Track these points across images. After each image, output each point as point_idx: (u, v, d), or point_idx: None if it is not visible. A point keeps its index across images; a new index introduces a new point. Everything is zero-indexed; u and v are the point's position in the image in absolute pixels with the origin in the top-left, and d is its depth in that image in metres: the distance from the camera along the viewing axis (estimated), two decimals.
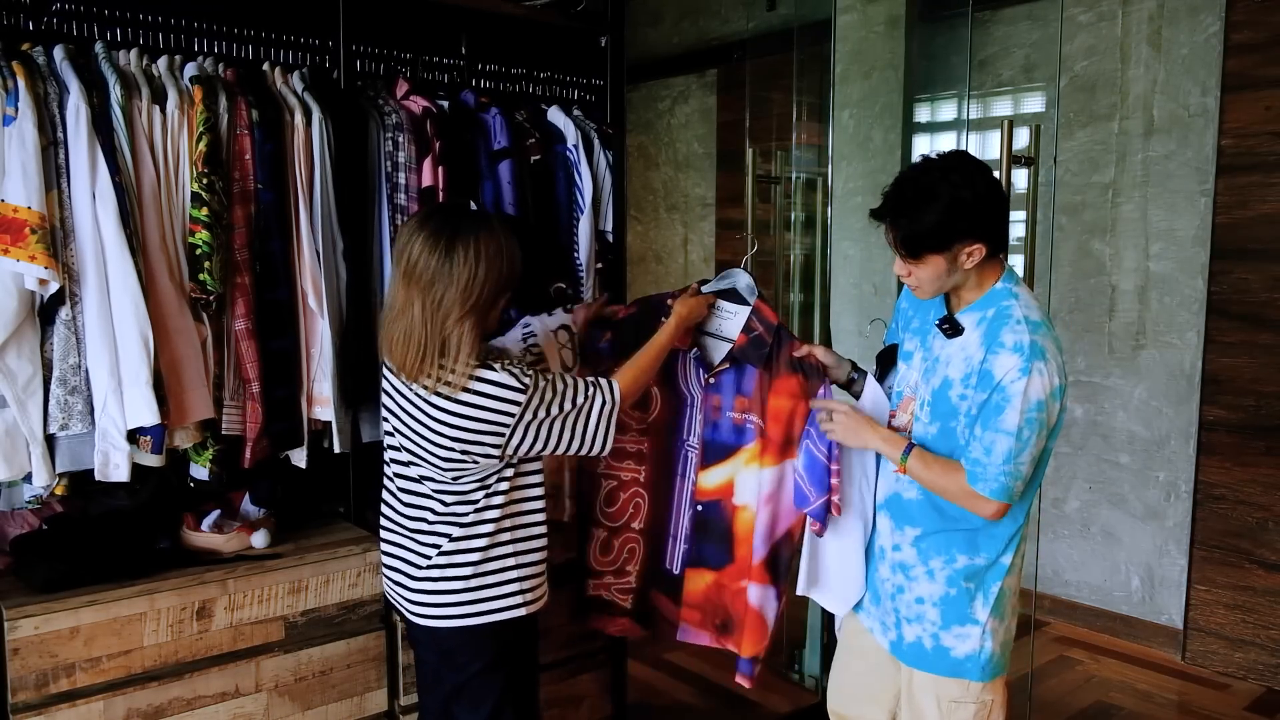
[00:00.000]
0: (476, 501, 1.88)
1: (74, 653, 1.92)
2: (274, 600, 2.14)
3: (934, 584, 1.86)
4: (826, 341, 3.50)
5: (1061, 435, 3.91)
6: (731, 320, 2.26)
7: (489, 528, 1.89)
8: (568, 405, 1.87)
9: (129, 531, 2.08)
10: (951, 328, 1.82)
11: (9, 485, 2.06)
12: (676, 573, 2.33)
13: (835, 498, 2.00)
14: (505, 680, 1.95)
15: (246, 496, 2.30)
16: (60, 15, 2.06)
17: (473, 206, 2.38)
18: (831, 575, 2.08)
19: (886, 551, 1.94)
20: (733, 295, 2.26)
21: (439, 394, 1.79)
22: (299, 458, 2.24)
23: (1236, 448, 3.49)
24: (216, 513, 2.20)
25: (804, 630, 3.37)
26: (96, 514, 2.12)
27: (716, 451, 2.26)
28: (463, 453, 1.82)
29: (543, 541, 1.98)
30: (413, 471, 1.90)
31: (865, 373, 2.14)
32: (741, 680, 2.28)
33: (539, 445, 1.87)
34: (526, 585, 1.95)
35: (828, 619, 3.27)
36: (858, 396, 2.15)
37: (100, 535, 2.03)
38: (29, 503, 2.08)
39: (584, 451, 1.93)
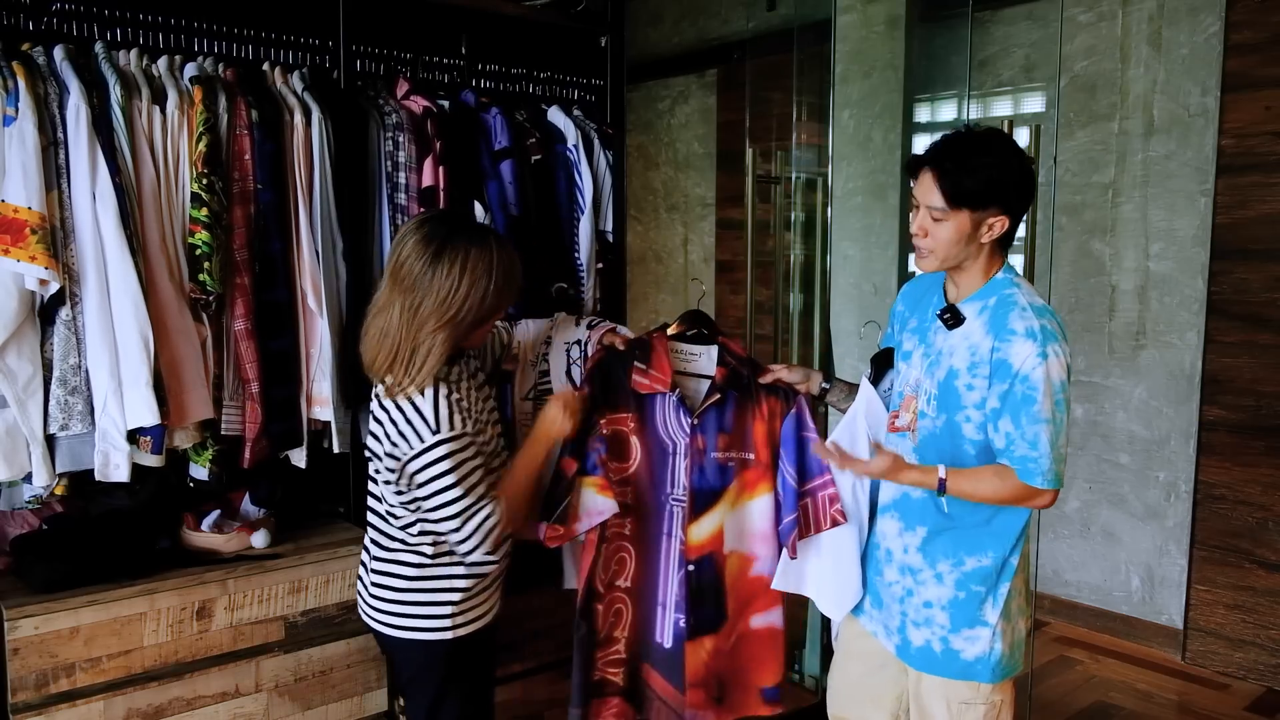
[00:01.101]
0: (405, 518, 1.82)
1: (74, 653, 1.92)
2: (274, 600, 2.14)
3: (943, 587, 1.85)
4: (826, 341, 3.50)
5: None
6: (699, 359, 2.18)
7: (423, 559, 1.83)
8: (460, 490, 1.74)
9: (129, 531, 2.08)
10: (953, 317, 1.82)
11: (9, 485, 2.06)
12: (668, 646, 2.12)
13: (836, 506, 1.99)
14: (437, 691, 1.89)
15: (246, 496, 2.30)
16: (60, 15, 2.06)
17: (479, 210, 2.37)
18: (826, 579, 2.07)
19: (894, 554, 1.93)
20: (697, 337, 2.19)
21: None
22: (299, 458, 2.25)
23: (1236, 448, 3.49)
24: (216, 513, 2.20)
25: (804, 630, 3.36)
26: (96, 514, 2.12)
27: (704, 499, 2.11)
28: (386, 454, 1.77)
29: (488, 568, 1.88)
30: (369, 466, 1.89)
31: (838, 381, 2.15)
32: (770, 710, 2.18)
33: (427, 504, 1.75)
34: (462, 609, 1.86)
35: (827, 619, 3.27)
36: (829, 405, 2.16)
37: (100, 535, 2.03)
38: (29, 503, 2.09)
39: (453, 543, 1.79)
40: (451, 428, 1.73)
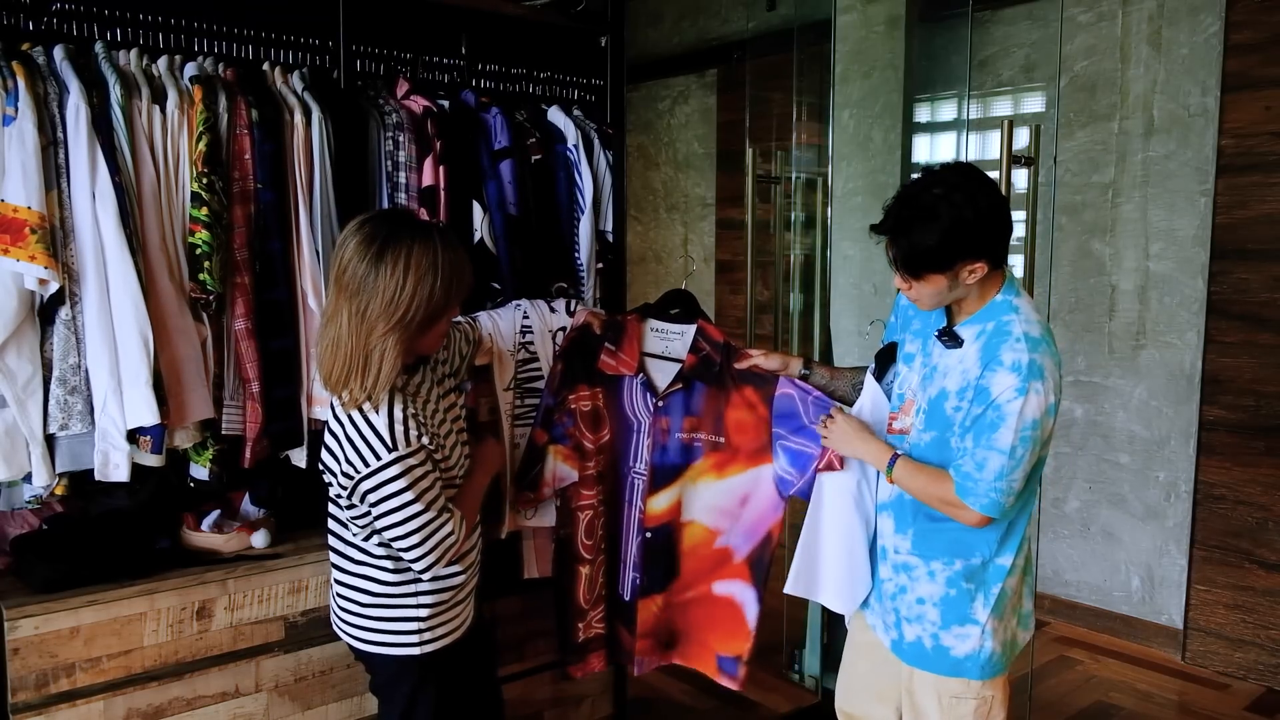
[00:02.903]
0: (363, 533, 1.80)
1: (74, 653, 1.92)
2: (274, 600, 2.14)
3: (934, 584, 1.86)
4: (827, 341, 3.50)
5: (1061, 435, 3.92)
6: (677, 341, 2.25)
7: (387, 575, 1.82)
8: (421, 505, 1.71)
9: (129, 531, 2.07)
10: (951, 339, 1.81)
11: (9, 485, 2.06)
12: (627, 599, 2.29)
13: (830, 458, 2.03)
14: (408, 701, 1.88)
15: (246, 496, 2.30)
16: (60, 15, 2.05)
17: (478, 210, 2.36)
18: (836, 576, 2.07)
19: (889, 552, 1.94)
20: (678, 316, 2.26)
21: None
22: (299, 458, 2.24)
23: (1236, 448, 3.49)
24: (216, 513, 2.20)
25: (804, 630, 3.36)
26: (96, 514, 2.12)
27: (665, 475, 2.23)
28: (342, 472, 1.73)
29: (455, 581, 1.88)
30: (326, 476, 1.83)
31: (816, 368, 2.17)
32: (726, 682, 2.27)
33: (382, 521, 1.72)
34: (430, 624, 1.85)
35: (827, 619, 3.27)
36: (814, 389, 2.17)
37: (100, 535, 2.03)
38: (29, 503, 2.08)
39: (409, 559, 1.76)
40: (407, 444, 1.70)
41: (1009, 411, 1.69)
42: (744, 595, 2.23)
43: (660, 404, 2.21)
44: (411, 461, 1.70)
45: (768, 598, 2.23)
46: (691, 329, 2.24)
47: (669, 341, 2.26)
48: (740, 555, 2.23)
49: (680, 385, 2.21)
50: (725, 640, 2.27)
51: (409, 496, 1.70)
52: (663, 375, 2.25)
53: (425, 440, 1.73)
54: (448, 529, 1.75)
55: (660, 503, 2.24)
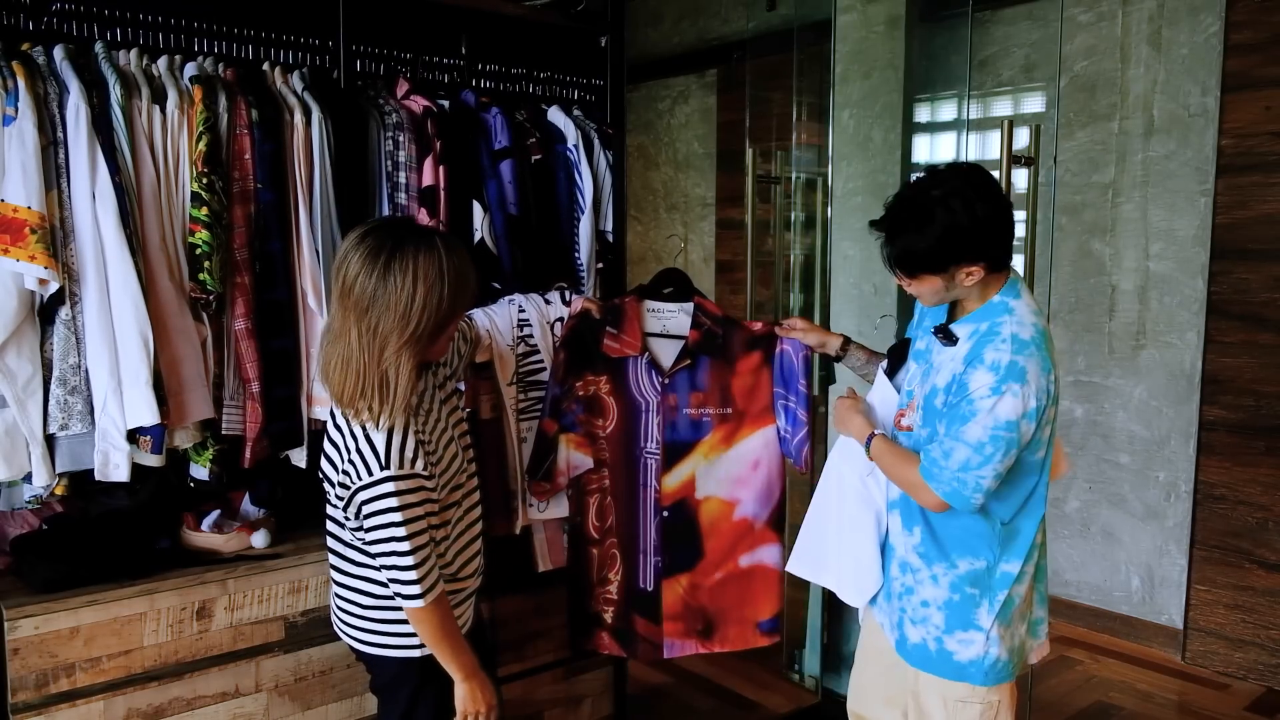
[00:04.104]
0: (361, 548, 1.78)
1: (74, 653, 1.92)
2: (274, 600, 2.14)
3: (938, 588, 1.86)
4: None
5: (1062, 435, 3.91)
6: (676, 318, 2.30)
7: (383, 587, 1.78)
8: (404, 531, 1.66)
9: (129, 531, 2.08)
10: (946, 337, 1.82)
11: (9, 485, 2.06)
12: (649, 590, 2.32)
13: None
14: (409, 703, 1.86)
15: (246, 496, 2.30)
16: (60, 15, 2.05)
17: (478, 210, 2.36)
18: (842, 561, 2.06)
19: (896, 551, 1.94)
20: (673, 295, 2.30)
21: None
22: (299, 458, 2.24)
23: (1236, 448, 3.49)
24: (216, 513, 2.20)
25: (804, 630, 3.36)
26: (96, 514, 2.12)
27: (676, 451, 2.29)
28: (339, 482, 1.73)
29: (456, 584, 1.85)
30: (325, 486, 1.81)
31: (855, 347, 2.21)
32: (769, 640, 2.36)
33: (369, 535, 1.69)
34: None
35: (827, 619, 3.27)
36: (849, 368, 2.22)
37: (100, 535, 2.03)
38: (29, 503, 2.08)
39: (385, 576, 1.72)
40: (400, 465, 1.66)
41: (980, 408, 1.69)
42: (771, 555, 2.32)
43: (666, 381, 2.26)
44: (403, 485, 1.66)
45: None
46: (689, 306, 2.29)
47: (666, 320, 2.30)
48: (761, 521, 2.30)
49: (687, 361, 2.25)
50: (763, 605, 2.35)
51: (398, 517, 1.66)
52: (665, 353, 2.29)
53: (420, 466, 1.69)
54: (413, 575, 1.68)
55: (674, 480, 2.29)
